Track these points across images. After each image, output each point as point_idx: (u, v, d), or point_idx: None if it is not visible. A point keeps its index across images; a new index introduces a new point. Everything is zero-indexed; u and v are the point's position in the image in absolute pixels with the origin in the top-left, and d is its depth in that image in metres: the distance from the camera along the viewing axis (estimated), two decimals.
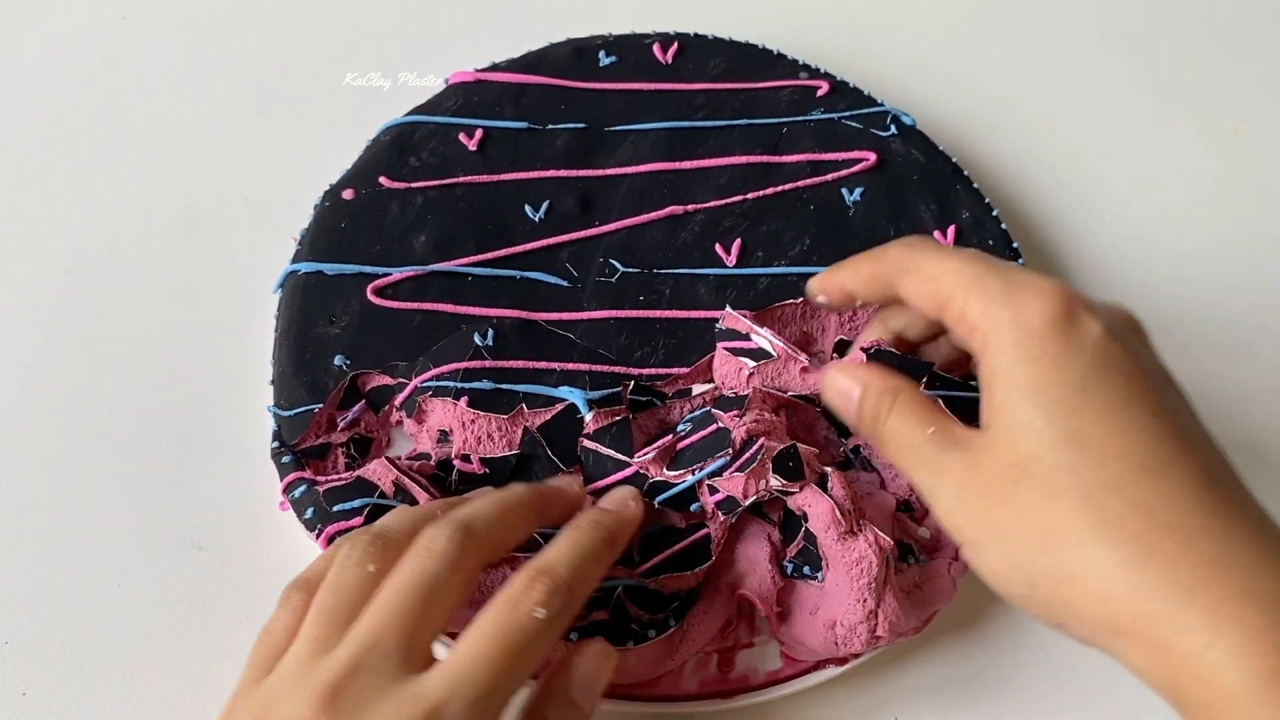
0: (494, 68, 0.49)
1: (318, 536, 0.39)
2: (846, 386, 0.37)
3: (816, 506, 0.39)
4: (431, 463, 0.42)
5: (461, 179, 0.46)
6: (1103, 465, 0.29)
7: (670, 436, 0.41)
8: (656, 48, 0.49)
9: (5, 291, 0.49)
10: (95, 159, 0.53)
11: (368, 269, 0.44)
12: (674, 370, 0.43)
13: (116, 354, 0.48)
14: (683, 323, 0.43)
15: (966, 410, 0.40)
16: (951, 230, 0.46)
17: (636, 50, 0.49)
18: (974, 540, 0.32)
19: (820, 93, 0.48)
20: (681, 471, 0.40)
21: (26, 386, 0.47)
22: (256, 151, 0.53)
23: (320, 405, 0.42)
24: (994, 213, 0.47)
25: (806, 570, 0.40)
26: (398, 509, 0.36)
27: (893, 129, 0.47)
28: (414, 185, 0.45)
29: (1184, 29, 0.58)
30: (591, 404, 0.41)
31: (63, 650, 0.41)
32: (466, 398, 0.41)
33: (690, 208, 0.45)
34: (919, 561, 0.41)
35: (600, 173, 0.46)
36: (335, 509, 0.39)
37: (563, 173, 0.46)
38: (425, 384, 0.42)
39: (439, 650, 0.33)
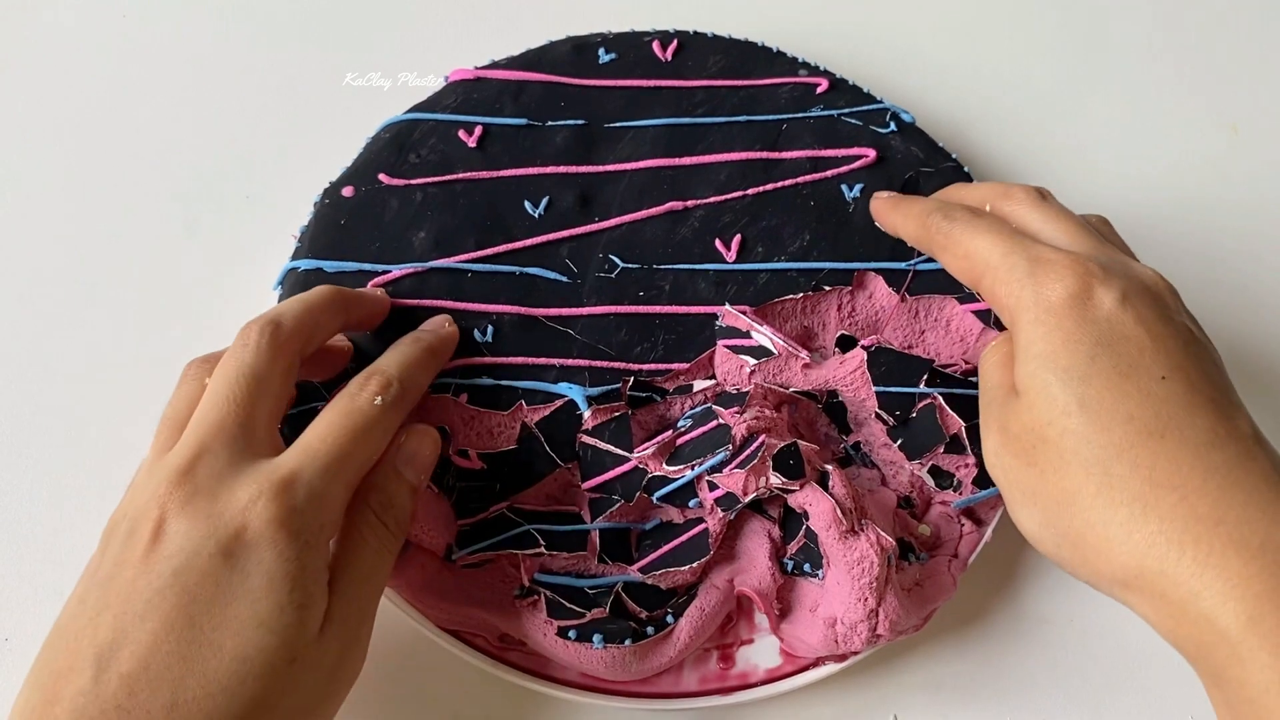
0: (494, 65, 0.49)
1: None
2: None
3: (818, 505, 0.39)
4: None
5: (461, 175, 0.46)
6: (1109, 430, 0.31)
7: (670, 432, 0.41)
8: (656, 45, 0.49)
9: (5, 291, 0.49)
10: (95, 157, 0.53)
11: (368, 266, 0.44)
12: (674, 366, 0.43)
13: (117, 353, 0.48)
14: (682, 318, 0.43)
15: (966, 407, 0.41)
16: None
17: (636, 47, 0.49)
18: (1010, 499, 0.35)
19: (820, 90, 0.48)
20: (681, 467, 0.40)
21: (27, 386, 0.47)
22: (257, 149, 0.53)
23: (321, 404, 0.42)
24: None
25: (807, 568, 0.40)
26: None
27: (892, 126, 0.47)
28: (414, 182, 0.45)
29: (1184, 28, 0.58)
30: (590, 400, 0.41)
31: None
32: (466, 395, 0.41)
33: (690, 203, 0.45)
34: (919, 560, 0.41)
35: (600, 169, 0.46)
36: None
37: (562, 169, 0.46)
38: None
39: None
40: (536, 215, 0.45)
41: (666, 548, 0.40)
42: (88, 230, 0.51)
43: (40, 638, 0.32)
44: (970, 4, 0.58)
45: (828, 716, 0.42)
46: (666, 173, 0.46)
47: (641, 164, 0.46)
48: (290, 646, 0.31)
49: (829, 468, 0.40)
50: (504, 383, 0.42)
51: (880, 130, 0.47)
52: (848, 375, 0.42)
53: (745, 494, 0.39)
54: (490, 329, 0.43)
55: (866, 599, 0.38)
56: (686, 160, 0.46)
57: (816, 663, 0.41)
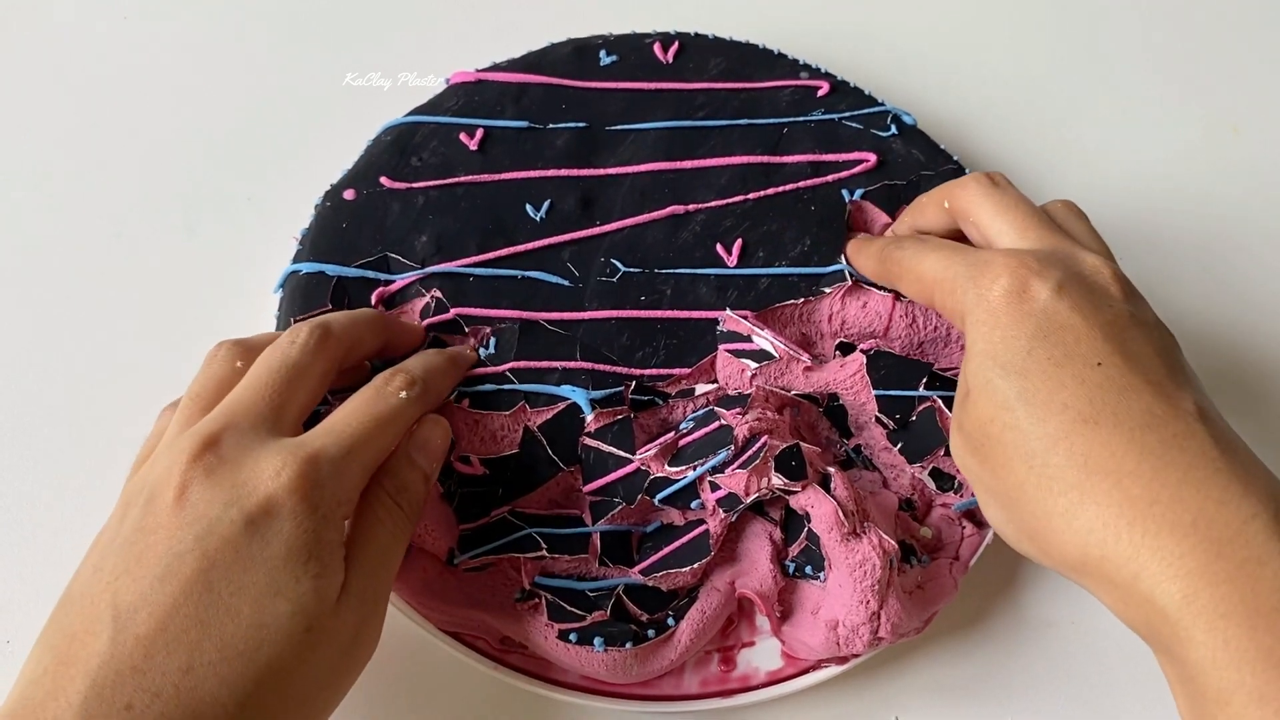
0: (495, 67, 0.49)
1: None
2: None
3: (820, 507, 0.39)
4: None
5: (462, 179, 0.46)
6: (1045, 421, 0.32)
7: (672, 434, 0.41)
8: (657, 47, 0.49)
9: (6, 291, 0.49)
10: (96, 158, 0.53)
11: (370, 273, 0.44)
12: (675, 370, 0.43)
13: (118, 355, 0.48)
14: (684, 323, 0.43)
15: None
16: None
17: (637, 50, 0.49)
18: (978, 497, 0.35)
19: (821, 93, 0.48)
20: (683, 467, 0.40)
21: (29, 386, 0.47)
22: (258, 151, 0.53)
23: (323, 406, 0.42)
24: None
25: (808, 570, 0.40)
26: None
27: (893, 129, 0.47)
28: (415, 185, 0.45)
29: (1184, 29, 0.58)
30: (594, 403, 0.41)
31: None
32: (468, 400, 0.41)
33: (691, 207, 0.45)
34: (921, 562, 0.41)
35: (601, 172, 0.46)
36: None
37: (564, 172, 0.46)
38: None
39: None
40: (538, 219, 0.45)
41: (667, 549, 0.40)
42: (88, 231, 0.51)
43: None
44: (971, 6, 0.58)
45: (830, 718, 0.42)
46: (668, 176, 0.46)
47: (643, 167, 0.46)
48: (306, 615, 0.32)
49: (831, 470, 0.40)
50: (505, 387, 0.42)
51: (881, 134, 0.47)
52: (848, 379, 0.42)
53: (747, 494, 0.39)
54: (492, 341, 0.43)
55: (868, 601, 0.38)
56: (688, 164, 0.46)
57: (818, 665, 0.41)
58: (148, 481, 0.33)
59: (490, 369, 0.42)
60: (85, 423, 0.46)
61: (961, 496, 0.42)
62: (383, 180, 0.45)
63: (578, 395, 0.41)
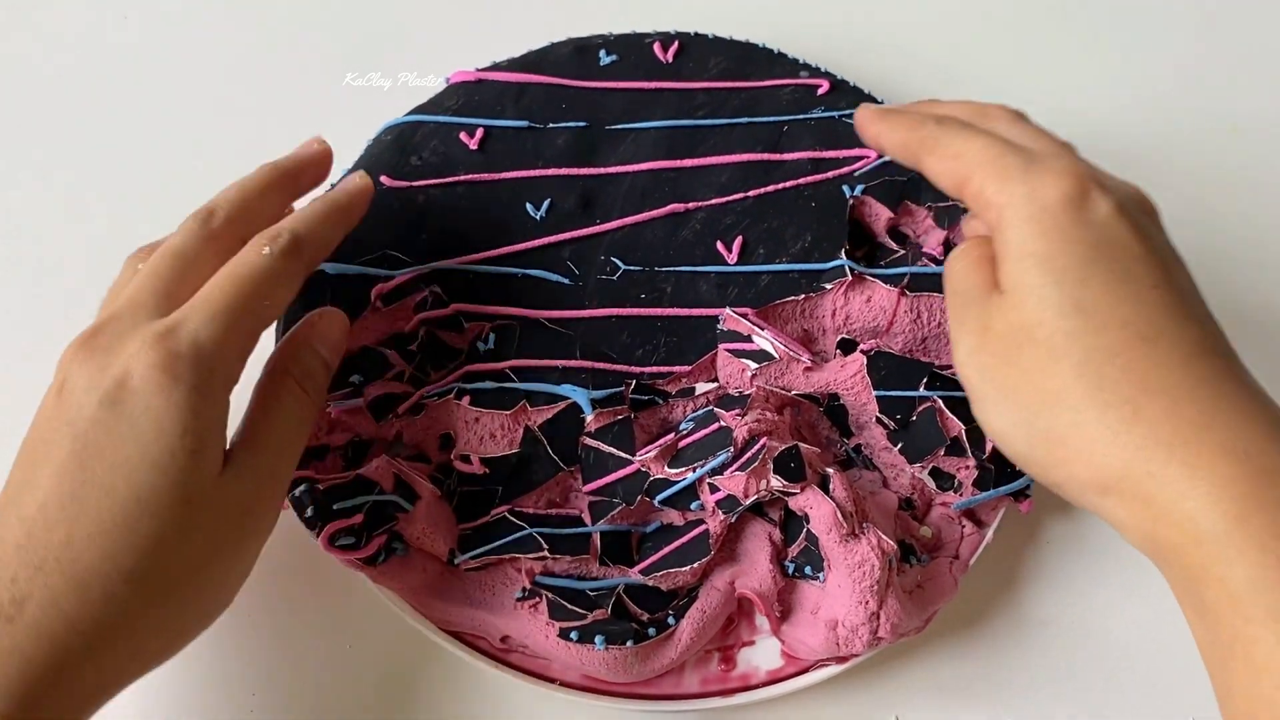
0: (495, 67, 0.49)
1: (318, 535, 0.39)
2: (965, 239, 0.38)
3: (819, 508, 0.39)
4: (431, 465, 0.42)
5: (463, 177, 0.46)
6: (1103, 332, 0.31)
7: (672, 435, 0.41)
8: (657, 47, 0.49)
9: (7, 292, 0.49)
10: (96, 159, 0.53)
11: (370, 270, 0.44)
12: (675, 368, 0.43)
13: None
14: (684, 320, 0.43)
15: (966, 411, 0.41)
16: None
17: (637, 49, 0.49)
18: (981, 398, 0.34)
19: (821, 91, 0.48)
20: (682, 469, 0.40)
21: (32, 390, 0.47)
22: (257, 150, 0.53)
23: (360, 377, 0.42)
24: None
25: (808, 570, 0.40)
26: None
27: None
28: (415, 184, 0.45)
29: (1184, 28, 0.58)
30: (594, 403, 0.41)
31: None
32: (469, 398, 0.41)
33: (691, 205, 0.45)
34: (921, 562, 0.41)
35: (601, 171, 0.46)
36: (335, 507, 0.39)
37: (564, 171, 0.46)
38: (431, 393, 0.42)
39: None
40: (538, 217, 0.45)
41: (667, 549, 0.40)
42: (88, 231, 0.51)
43: None
44: (971, 5, 0.58)
45: (829, 718, 0.42)
46: (668, 175, 0.46)
47: (643, 166, 0.46)
48: (183, 487, 0.32)
49: (830, 471, 0.40)
50: (506, 385, 0.42)
51: None
52: (848, 379, 0.42)
53: (746, 496, 0.39)
54: (492, 336, 0.43)
55: (868, 602, 0.38)
56: (688, 162, 0.46)
57: (817, 664, 0.41)
58: None
59: (490, 365, 0.42)
60: None
61: (961, 496, 0.42)
62: (383, 179, 0.45)
63: (578, 395, 0.41)
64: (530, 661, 0.41)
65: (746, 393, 0.42)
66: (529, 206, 0.45)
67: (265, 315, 0.36)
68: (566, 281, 0.44)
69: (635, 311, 0.43)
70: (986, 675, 0.43)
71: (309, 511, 0.39)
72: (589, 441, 0.41)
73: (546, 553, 0.40)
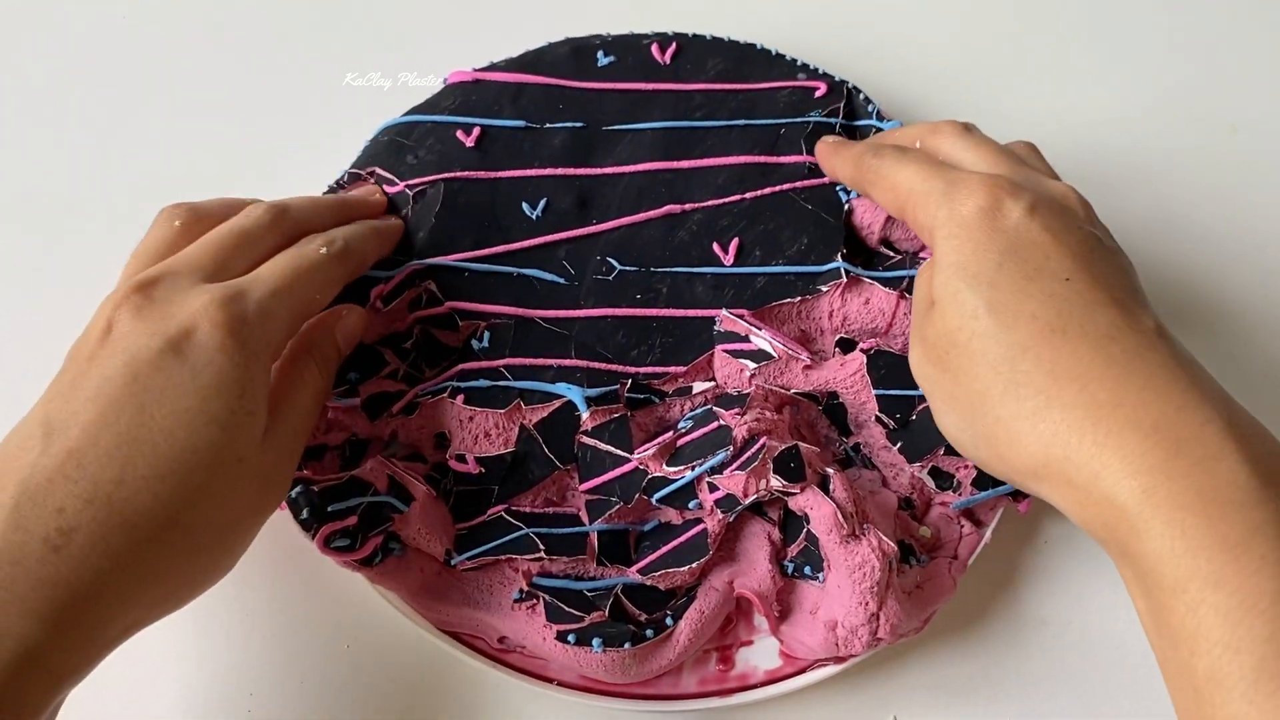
0: (492, 67, 0.49)
1: (313, 536, 0.39)
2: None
3: (819, 509, 0.39)
4: (427, 465, 0.42)
5: (459, 174, 0.46)
6: (1013, 329, 0.33)
7: (671, 433, 0.41)
8: (655, 48, 0.49)
9: (6, 292, 0.49)
10: (95, 159, 0.53)
11: (369, 271, 0.44)
12: (670, 369, 0.43)
13: None
14: (680, 321, 0.43)
15: None
16: None
17: (635, 50, 0.49)
18: (933, 405, 0.37)
19: (818, 94, 0.48)
20: (681, 467, 0.40)
21: (31, 393, 0.47)
22: (257, 149, 0.53)
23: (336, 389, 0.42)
24: None
25: (807, 570, 0.40)
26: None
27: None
28: (411, 182, 0.45)
29: (1184, 28, 0.58)
30: (589, 401, 0.41)
31: None
32: (463, 396, 0.41)
33: (688, 207, 0.45)
34: (920, 562, 0.41)
35: (598, 171, 0.46)
36: (331, 508, 0.39)
37: (560, 171, 0.46)
38: (425, 391, 0.42)
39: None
40: (534, 217, 0.45)
41: (665, 548, 0.40)
42: (88, 231, 0.51)
43: None
44: (969, 7, 0.58)
45: (828, 718, 0.42)
46: (665, 176, 0.46)
47: (640, 167, 0.46)
48: (237, 446, 0.33)
49: (830, 471, 0.40)
50: (500, 384, 0.42)
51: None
52: (848, 378, 0.42)
53: (745, 496, 0.39)
54: (487, 334, 0.43)
55: (868, 603, 0.38)
56: (685, 164, 0.46)
57: (816, 664, 0.41)
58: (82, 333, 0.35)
59: (485, 363, 0.42)
60: None
61: (960, 495, 0.42)
62: (384, 187, 0.46)
63: (573, 393, 0.41)
64: (528, 662, 0.41)
65: (745, 392, 0.42)
66: (525, 206, 0.45)
67: (313, 306, 0.38)
68: (562, 281, 0.44)
69: (631, 312, 0.43)
70: (985, 675, 0.43)
71: (304, 513, 0.39)
72: (586, 440, 0.41)
73: (544, 554, 0.40)
